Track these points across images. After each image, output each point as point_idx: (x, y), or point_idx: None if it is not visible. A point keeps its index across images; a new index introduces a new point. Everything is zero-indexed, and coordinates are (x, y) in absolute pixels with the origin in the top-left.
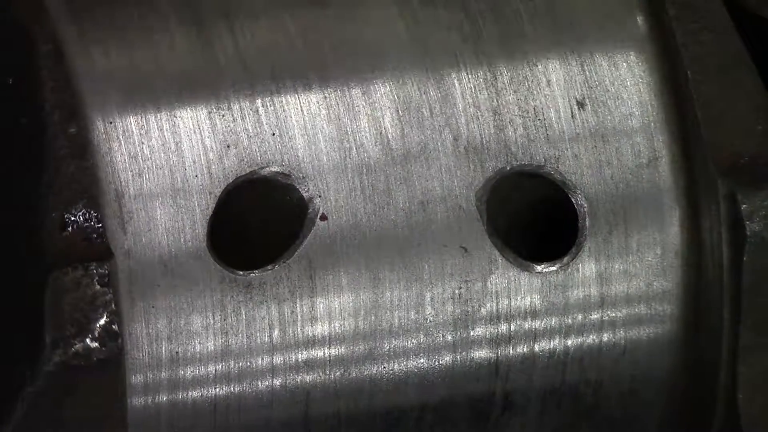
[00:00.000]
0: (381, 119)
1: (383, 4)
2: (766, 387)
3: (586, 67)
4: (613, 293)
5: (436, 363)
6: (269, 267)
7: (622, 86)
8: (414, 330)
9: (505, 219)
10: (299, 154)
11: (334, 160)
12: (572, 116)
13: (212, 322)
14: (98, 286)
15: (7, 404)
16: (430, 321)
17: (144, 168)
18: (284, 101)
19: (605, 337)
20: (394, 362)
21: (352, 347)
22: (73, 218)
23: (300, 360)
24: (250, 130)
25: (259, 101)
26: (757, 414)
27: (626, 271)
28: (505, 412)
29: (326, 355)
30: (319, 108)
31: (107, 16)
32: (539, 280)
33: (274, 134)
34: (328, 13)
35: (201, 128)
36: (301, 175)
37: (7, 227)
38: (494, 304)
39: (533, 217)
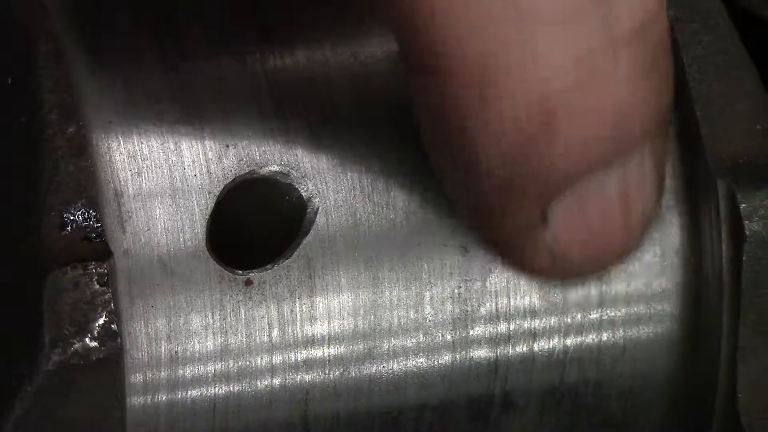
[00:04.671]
0: None
1: None
2: (766, 386)
3: None
4: (612, 292)
5: (436, 362)
6: (268, 266)
7: None
8: (413, 329)
9: None
10: (298, 154)
11: (334, 160)
12: None
13: (211, 321)
14: (97, 286)
15: (6, 403)
16: (429, 320)
17: (143, 167)
18: (284, 100)
19: (604, 336)
20: (393, 362)
21: (351, 347)
22: (72, 218)
23: (299, 359)
24: (249, 130)
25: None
26: (757, 414)
27: (625, 271)
28: (505, 411)
29: (325, 354)
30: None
31: (107, 16)
32: (538, 280)
33: (273, 133)
34: None
35: (200, 127)
36: (300, 174)
37: (6, 227)
38: (493, 304)
39: None
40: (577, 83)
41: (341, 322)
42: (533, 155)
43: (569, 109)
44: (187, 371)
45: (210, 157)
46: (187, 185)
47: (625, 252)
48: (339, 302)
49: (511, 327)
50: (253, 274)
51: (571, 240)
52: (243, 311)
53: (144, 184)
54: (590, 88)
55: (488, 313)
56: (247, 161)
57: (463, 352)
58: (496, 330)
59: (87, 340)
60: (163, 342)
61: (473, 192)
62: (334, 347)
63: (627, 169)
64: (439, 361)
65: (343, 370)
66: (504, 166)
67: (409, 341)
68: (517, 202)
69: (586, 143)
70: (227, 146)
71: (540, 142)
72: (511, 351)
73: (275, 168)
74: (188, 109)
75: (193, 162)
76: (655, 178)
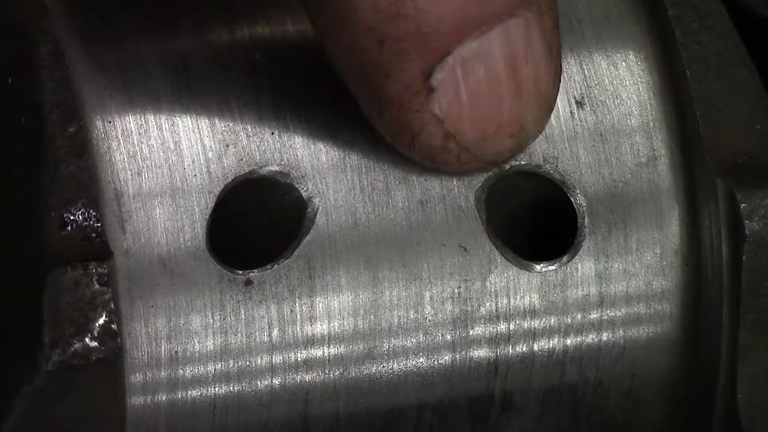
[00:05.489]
0: None
1: None
2: (766, 386)
3: (584, 66)
4: (612, 292)
5: (436, 362)
6: (268, 266)
7: (621, 85)
8: (413, 329)
9: (505, 218)
10: (298, 153)
11: (334, 159)
12: (571, 115)
13: (211, 321)
14: (97, 286)
15: (6, 403)
16: (429, 320)
17: (143, 167)
18: (284, 100)
19: (604, 336)
20: (393, 362)
21: (351, 347)
22: (72, 218)
23: (299, 359)
24: (249, 129)
25: (259, 99)
26: (757, 413)
27: (625, 271)
28: (505, 411)
29: (325, 354)
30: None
31: (107, 17)
32: (538, 280)
33: (273, 133)
34: None
35: (200, 127)
36: (300, 174)
37: (7, 227)
38: (493, 304)
39: (532, 216)
40: None
41: (341, 322)
42: (404, 3)
43: None
44: (187, 371)
45: (210, 157)
46: (187, 185)
47: (519, 131)
48: (339, 302)
49: (511, 327)
50: (253, 274)
51: (460, 111)
52: (243, 311)
53: (144, 184)
54: None
55: (488, 313)
56: (247, 161)
57: (463, 352)
58: (496, 330)
59: (87, 340)
60: (163, 342)
61: (356, 53)
62: (334, 347)
63: (510, 34)
64: (439, 361)
65: (343, 370)
66: (380, 15)
67: (409, 341)
68: (397, 61)
69: None
70: (227, 146)
71: None
72: (511, 351)
73: (275, 168)
74: (188, 109)
75: (193, 162)
76: (545, 49)
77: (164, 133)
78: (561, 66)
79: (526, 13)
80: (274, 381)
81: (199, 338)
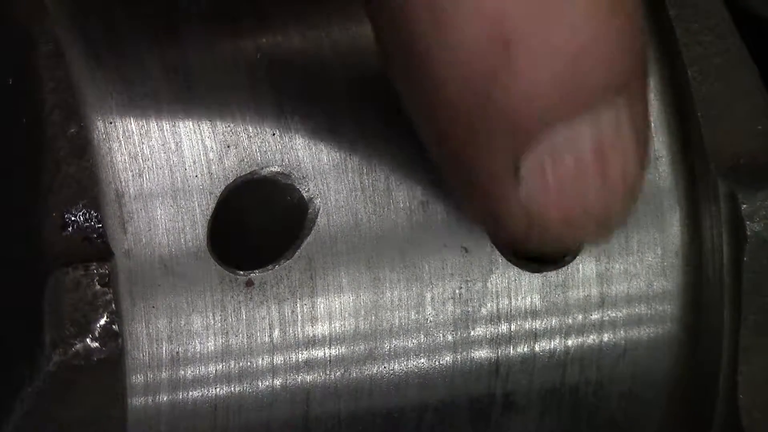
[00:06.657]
0: None
1: None
2: (767, 387)
3: None
4: (613, 293)
5: (437, 363)
6: (269, 267)
7: None
8: (414, 330)
9: None
10: (299, 154)
11: (335, 160)
12: None
13: (212, 322)
14: (98, 286)
15: (6, 404)
16: (430, 321)
17: (144, 168)
18: (285, 101)
19: (605, 337)
20: (394, 362)
21: (352, 347)
22: (73, 218)
23: (300, 360)
24: (250, 130)
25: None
26: (758, 414)
27: (626, 271)
28: (506, 412)
29: (326, 355)
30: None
31: (108, 16)
32: (539, 280)
33: (274, 134)
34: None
35: (201, 128)
36: (301, 174)
37: (8, 227)
38: (494, 304)
39: None
40: (531, 11)
41: (342, 322)
42: (495, 89)
43: (527, 41)
44: (189, 372)
45: (211, 157)
46: (189, 186)
47: (605, 220)
48: (340, 303)
49: (512, 327)
50: (254, 275)
51: (546, 200)
52: (244, 312)
53: (145, 185)
54: (546, 18)
55: (489, 313)
56: (248, 162)
57: (465, 353)
58: (497, 330)
59: (88, 340)
60: (164, 342)
61: (443, 136)
62: (335, 348)
63: (600, 122)
64: (441, 362)
65: (344, 371)
66: (467, 100)
67: (410, 342)
68: (485, 145)
69: (549, 83)
70: (228, 147)
71: (500, 75)
72: (512, 351)
73: (276, 168)
74: (189, 109)
75: (194, 162)
76: (634, 136)
77: (165, 133)
78: (648, 154)
79: (617, 99)
80: (275, 381)
81: (200, 339)
